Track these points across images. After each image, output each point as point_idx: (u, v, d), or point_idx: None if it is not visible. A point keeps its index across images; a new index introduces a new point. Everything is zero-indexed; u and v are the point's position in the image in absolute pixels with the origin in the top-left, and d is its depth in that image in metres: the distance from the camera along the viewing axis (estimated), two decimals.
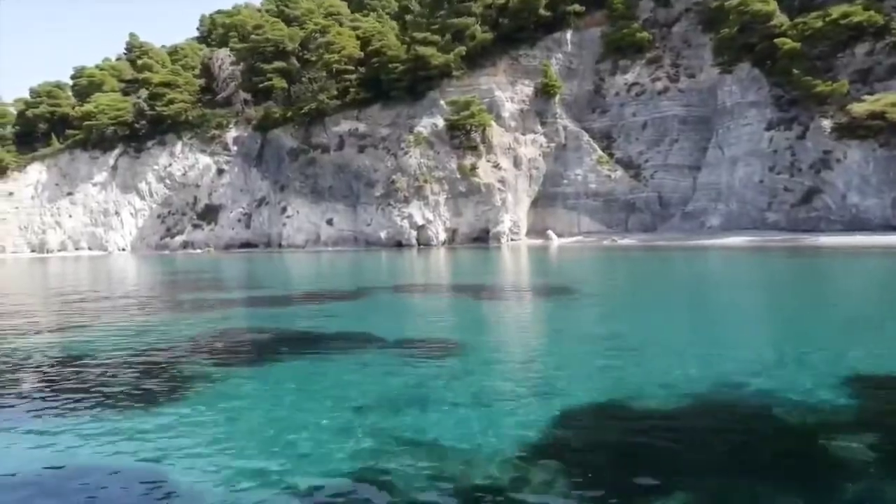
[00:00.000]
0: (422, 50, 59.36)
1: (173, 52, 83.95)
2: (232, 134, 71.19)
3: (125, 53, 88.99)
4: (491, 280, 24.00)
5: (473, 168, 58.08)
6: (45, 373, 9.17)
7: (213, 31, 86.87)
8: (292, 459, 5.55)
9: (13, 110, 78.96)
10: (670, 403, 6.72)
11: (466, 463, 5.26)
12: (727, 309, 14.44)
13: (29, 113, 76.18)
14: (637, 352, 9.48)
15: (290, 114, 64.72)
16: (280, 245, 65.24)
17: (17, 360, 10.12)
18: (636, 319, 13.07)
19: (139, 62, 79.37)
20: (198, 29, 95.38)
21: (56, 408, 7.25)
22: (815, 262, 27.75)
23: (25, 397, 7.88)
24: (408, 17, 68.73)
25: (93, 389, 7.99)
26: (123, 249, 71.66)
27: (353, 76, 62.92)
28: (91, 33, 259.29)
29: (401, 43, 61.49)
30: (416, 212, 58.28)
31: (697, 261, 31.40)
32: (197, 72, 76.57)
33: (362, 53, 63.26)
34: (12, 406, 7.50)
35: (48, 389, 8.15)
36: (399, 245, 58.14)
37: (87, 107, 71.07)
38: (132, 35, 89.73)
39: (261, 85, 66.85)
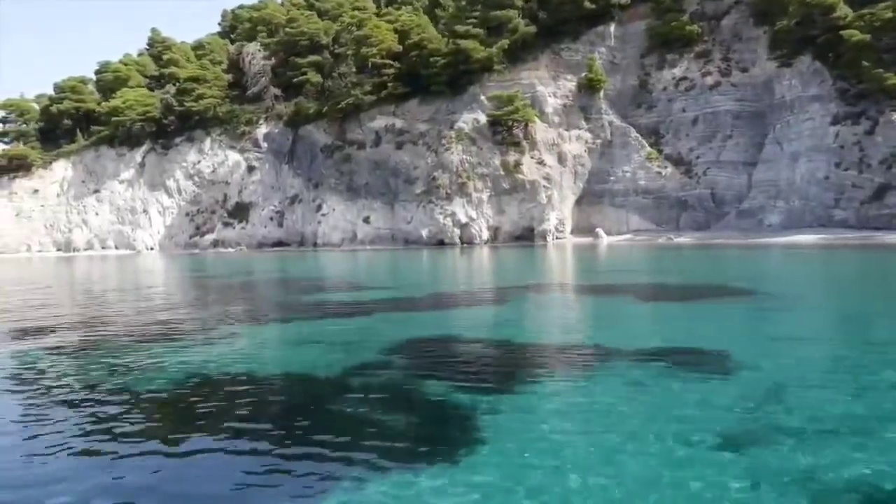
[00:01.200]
0: (464, 43, 57.78)
1: (197, 47, 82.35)
2: (262, 130, 69.65)
3: (147, 49, 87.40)
4: (622, 279, 21.89)
5: (517, 165, 56.56)
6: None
7: (238, 26, 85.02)
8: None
9: (36, 106, 77.29)
10: None
11: None
12: None
13: (53, 109, 74.55)
14: None
15: (326, 109, 63.04)
16: (315, 244, 63.66)
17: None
18: (877, 325, 11.56)
19: (164, 57, 77.81)
20: (219, 24, 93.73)
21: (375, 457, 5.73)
22: None
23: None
24: (440, 12, 67.07)
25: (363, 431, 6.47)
26: (151, 248, 70.10)
27: (391, 70, 61.17)
28: (104, 29, 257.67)
29: (441, 36, 59.73)
30: (460, 209, 56.76)
31: (808, 259, 29.76)
32: (224, 67, 75.01)
33: (400, 47, 61.58)
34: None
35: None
36: (441, 243, 56.62)
37: (114, 102, 69.47)
38: (154, 30, 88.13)
39: (295, 80, 65.20)
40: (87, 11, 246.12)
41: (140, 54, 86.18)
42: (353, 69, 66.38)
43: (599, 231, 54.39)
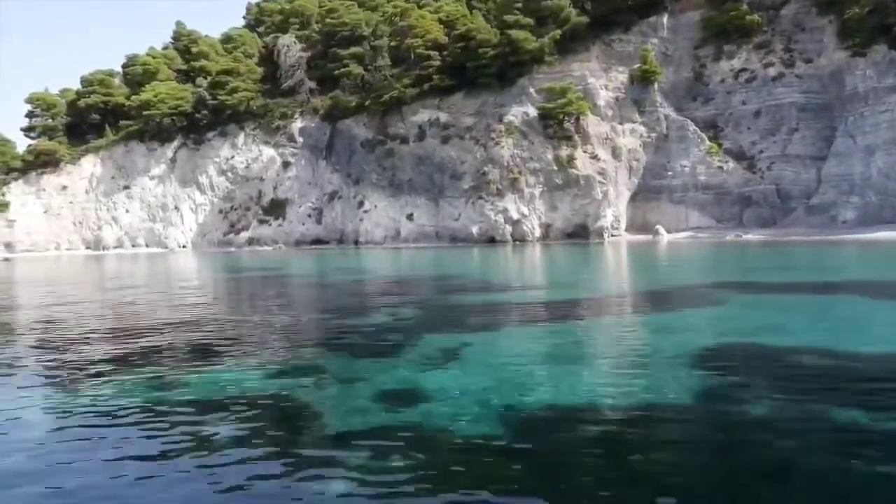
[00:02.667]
0: (514, 34, 55.79)
1: (225, 40, 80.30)
2: (297, 124, 67.67)
3: (172, 42, 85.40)
4: (792, 277, 19.73)
5: (570, 159, 54.61)
6: None
7: (266, 19, 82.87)
8: None
9: (62, 101, 75.19)
10: None
11: None
12: None
13: (81, 103, 72.49)
14: None
15: (368, 102, 61.02)
16: (356, 242, 61.67)
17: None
18: None
19: (193, 50, 75.77)
20: (244, 17, 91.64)
21: None
22: None
23: None
24: (478, 2, 65.08)
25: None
26: (183, 246, 68.12)
27: (436, 62, 59.13)
28: (104, 27, 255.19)
29: (490, 26, 57.72)
30: (511, 206, 54.82)
31: None
32: (256, 60, 73.02)
33: (446, 38, 59.57)
34: None
35: None
36: (492, 241, 54.69)
37: (145, 95, 67.43)
38: (179, 23, 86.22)
39: (336, 72, 63.13)
40: (88, 10, 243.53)
41: (165, 48, 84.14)
42: (389, 62, 64.61)
43: (659, 228, 52.45)
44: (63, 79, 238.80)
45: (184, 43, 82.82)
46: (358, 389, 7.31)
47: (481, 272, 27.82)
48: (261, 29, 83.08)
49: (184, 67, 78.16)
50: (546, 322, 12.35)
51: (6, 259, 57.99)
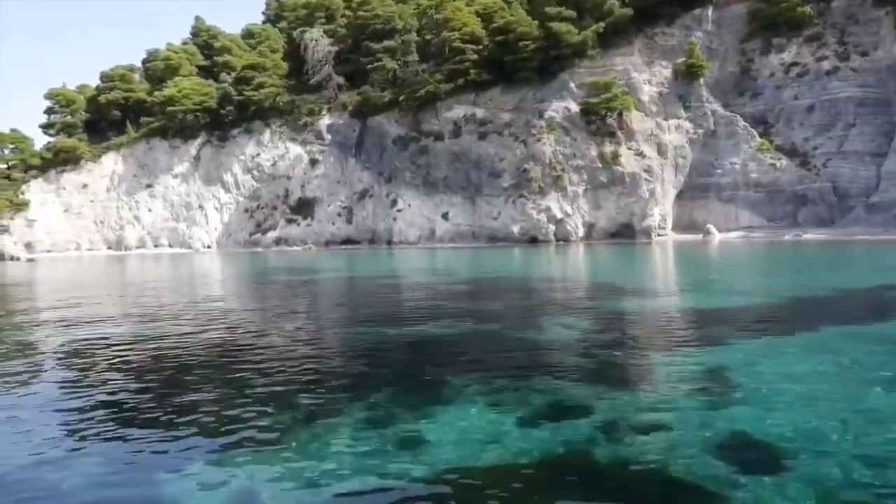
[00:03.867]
0: (556, 27, 53.94)
1: (247, 35, 78.36)
2: (325, 121, 65.73)
3: (191, 38, 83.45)
4: None
5: (615, 156, 52.76)
6: None
7: (287, 14, 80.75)
8: None
9: (81, 97, 73.16)
10: None
11: None
12: None
13: (101, 99, 70.48)
14: None
15: (402, 98, 59.07)
16: (389, 242, 59.72)
17: None
18: None
19: (215, 45, 73.83)
20: (263, 13, 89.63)
21: None
22: None
23: None
24: None
25: None
26: (208, 247, 66.15)
27: (473, 57, 57.21)
28: (106, 27, 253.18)
29: (531, 19, 55.80)
30: (554, 204, 52.95)
31: None
32: (280, 55, 71.05)
33: (484, 31, 57.67)
34: None
35: None
36: (534, 241, 52.80)
37: (169, 91, 65.43)
38: (198, 18, 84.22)
39: (369, 66, 61.17)
40: (96, 7, 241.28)
41: (184, 43, 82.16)
42: (417, 57, 62.79)
43: (710, 227, 50.53)
44: (65, 77, 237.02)
45: (203, 38, 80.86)
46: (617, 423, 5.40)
47: (593, 273, 25.79)
48: (281, 24, 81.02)
49: (205, 63, 76.19)
50: (775, 333, 10.39)
51: (31, 259, 56.02)
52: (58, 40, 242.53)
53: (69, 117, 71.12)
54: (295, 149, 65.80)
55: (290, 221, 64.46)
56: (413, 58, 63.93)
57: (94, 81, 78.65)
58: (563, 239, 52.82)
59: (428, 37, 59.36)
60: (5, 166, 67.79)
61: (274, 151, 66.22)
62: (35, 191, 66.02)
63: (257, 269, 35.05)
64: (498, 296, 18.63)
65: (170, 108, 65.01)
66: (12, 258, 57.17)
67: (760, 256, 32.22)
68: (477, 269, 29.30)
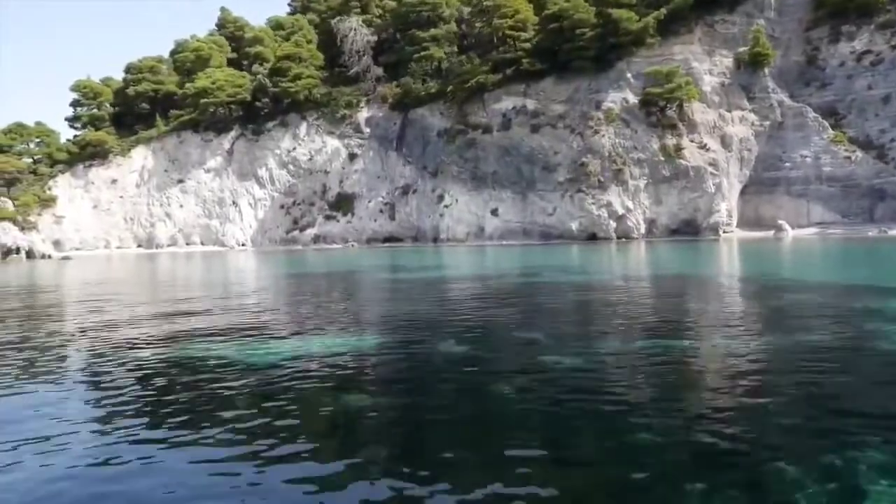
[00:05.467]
0: (616, 13, 51.48)
1: (275, 26, 75.82)
2: (364, 114, 63.31)
3: (217, 29, 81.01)
4: None
5: (678, 149, 50.32)
6: None
7: (315, 5, 78.08)
8: None
9: (108, 89, 70.64)
10: None
11: None
12: None
13: (130, 91, 67.96)
14: None
15: (450, 89, 56.57)
16: (435, 239, 57.23)
17: None
18: None
19: (247, 35, 71.33)
20: (290, 4, 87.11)
21: None
22: None
23: None
24: None
25: None
26: (243, 245, 63.68)
27: (526, 45, 54.73)
28: (120, 25, 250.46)
29: (588, 5, 53.32)
30: (615, 199, 50.54)
31: None
32: (314, 46, 68.53)
33: (536, 18, 55.18)
34: None
35: None
36: (593, 238, 50.33)
37: (201, 82, 62.97)
38: (224, 10, 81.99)
39: (415, 56, 58.63)
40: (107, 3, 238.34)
41: (210, 35, 79.67)
42: (456, 48, 60.35)
43: (783, 224, 48.05)
44: (83, 73, 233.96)
45: (230, 30, 78.55)
46: None
47: (746, 271, 22.98)
48: (309, 16, 78.43)
49: (233, 55, 73.77)
50: None
51: (66, 257, 53.44)
52: (61, 39, 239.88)
53: (96, 110, 68.75)
54: (332, 142, 63.35)
55: (328, 218, 61.99)
56: (453, 49, 61.55)
57: (116, 76, 76.37)
58: (624, 236, 50.38)
59: (478, 25, 56.73)
60: (31, 161, 65.25)
61: (310, 145, 63.77)
62: (62, 186, 63.56)
63: (342, 267, 32.49)
64: (673, 305, 16.09)
65: (203, 101, 62.53)
66: (43, 256, 54.63)
67: (870, 254, 29.70)
68: (588, 269, 26.73)
